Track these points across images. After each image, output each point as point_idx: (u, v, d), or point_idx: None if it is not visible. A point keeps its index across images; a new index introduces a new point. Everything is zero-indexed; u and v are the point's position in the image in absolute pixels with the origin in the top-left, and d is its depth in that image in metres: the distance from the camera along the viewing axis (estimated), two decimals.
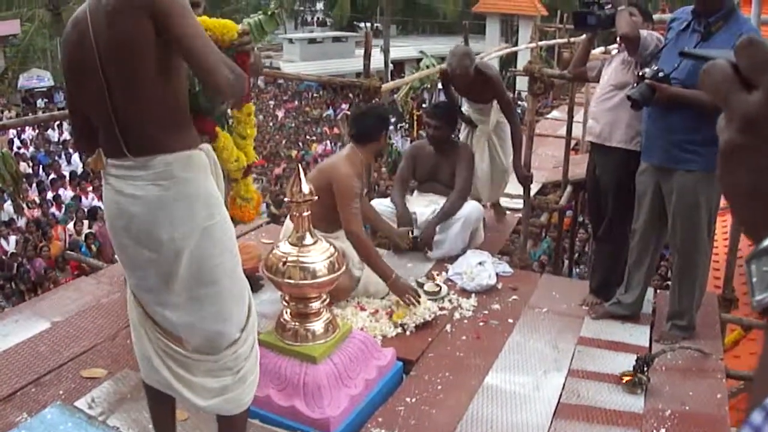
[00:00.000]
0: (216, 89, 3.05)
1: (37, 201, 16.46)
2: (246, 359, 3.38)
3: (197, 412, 3.74)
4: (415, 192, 7.27)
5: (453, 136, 7.15)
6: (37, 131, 22.63)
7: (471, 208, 6.81)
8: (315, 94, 32.77)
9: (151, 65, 2.95)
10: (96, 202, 16.04)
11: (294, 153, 22.55)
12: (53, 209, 16.10)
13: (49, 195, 16.85)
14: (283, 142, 24.61)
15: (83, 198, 16.68)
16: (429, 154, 7.06)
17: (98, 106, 3.06)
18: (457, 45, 7.07)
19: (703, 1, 4.69)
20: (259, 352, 3.53)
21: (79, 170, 18.84)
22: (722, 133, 0.78)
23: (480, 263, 6.22)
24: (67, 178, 17.92)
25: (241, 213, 4.39)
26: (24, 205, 15.29)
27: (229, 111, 4.23)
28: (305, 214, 4.21)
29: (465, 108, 7.50)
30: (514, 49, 20.02)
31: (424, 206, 6.88)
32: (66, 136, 22.57)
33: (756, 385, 0.75)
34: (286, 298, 4.36)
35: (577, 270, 12.54)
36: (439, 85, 8.04)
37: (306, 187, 4.15)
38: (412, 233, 6.57)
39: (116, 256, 3.40)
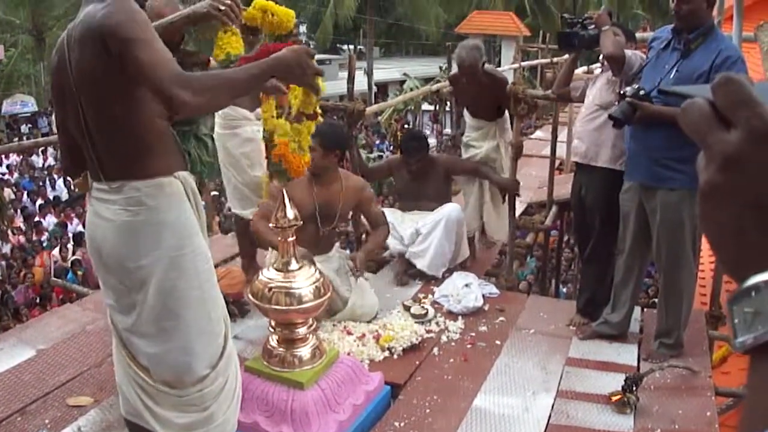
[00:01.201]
0: (172, 102, 2.79)
1: (22, 228, 16.38)
2: (215, 398, 3.31)
3: None
4: (398, 212, 7.15)
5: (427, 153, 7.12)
6: (21, 157, 22.55)
7: (450, 207, 6.80)
8: None
9: (115, 93, 2.94)
10: (80, 228, 15.99)
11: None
12: (35, 236, 16.03)
13: (35, 221, 16.78)
14: None
15: (68, 224, 16.62)
16: (406, 175, 7.07)
17: (77, 131, 3.08)
18: (467, 39, 7.08)
19: (683, 18, 4.72)
20: (237, 390, 3.49)
21: (64, 196, 18.79)
22: (702, 173, 0.77)
23: (466, 285, 6.21)
24: (52, 204, 17.86)
25: (290, 162, 4.29)
26: (9, 232, 15.21)
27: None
28: (290, 239, 4.20)
29: (466, 129, 7.53)
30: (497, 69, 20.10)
31: (407, 227, 6.84)
32: (50, 161, 22.52)
33: (741, 424, 0.74)
34: (273, 323, 4.34)
35: (564, 289, 12.55)
36: (423, 107, 8.09)
37: (291, 213, 4.13)
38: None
39: (96, 272, 3.41)
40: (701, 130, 0.76)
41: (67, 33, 3.03)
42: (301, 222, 4.27)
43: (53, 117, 28.85)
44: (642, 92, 4.68)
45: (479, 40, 6.68)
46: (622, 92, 4.82)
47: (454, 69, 7.34)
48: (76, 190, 3.48)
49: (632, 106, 4.67)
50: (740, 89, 0.74)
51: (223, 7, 3.57)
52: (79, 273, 13.20)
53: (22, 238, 15.79)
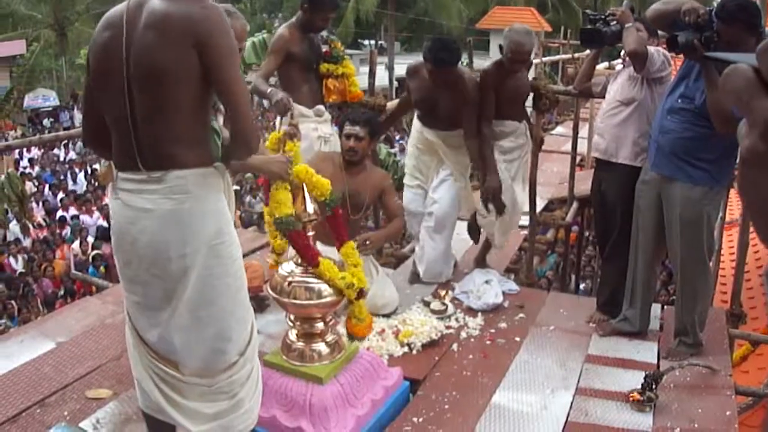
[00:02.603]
0: (243, 137, 3.10)
1: (43, 221, 16.47)
2: (242, 385, 3.35)
3: None
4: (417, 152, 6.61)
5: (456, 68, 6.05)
6: (42, 150, 22.67)
7: (444, 203, 6.39)
8: None
9: (186, 92, 2.97)
10: (101, 221, 16.06)
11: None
12: (57, 229, 16.11)
13: (58, 214, 16.88)
14: None
15: (88, 217, 16.70)
16: (425, 80, 6.14)
17: (117, 117, 3.06)
18: (514, 25, 6.12)
19: (725, 44, 4.62)
20: (260, 380, 3.51)
21: (83, 190, 18.89)
22: (743, 140, 0.76)
23: (486, 282, 6.20)
24: (72, 197, 17.95)
25: (356, 330, 4.60)
26: (30, 225, 15.31)
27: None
28: (310, 233, 4.20)
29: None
30: None
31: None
32: (72, 155, 22.62)
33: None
34: (292, 318, 4.34)
35: (583, 285, 12.51)
36: None
37: (311, 207, 4.13)
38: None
39: (119, 270, 3.35)
40: (745, 95, 0.75)
41: (128, 13, 2.99)
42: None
43: (75, 111, 29.11)
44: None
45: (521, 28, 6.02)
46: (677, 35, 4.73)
47: (480, 64, 7.14)
48: (97, 182, 3.48)
49: (693, 48, 4.61)
50: None
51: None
52: (102, 268, 13.25)
53: (42, 232, 15.87)
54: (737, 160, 0.77)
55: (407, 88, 6.39)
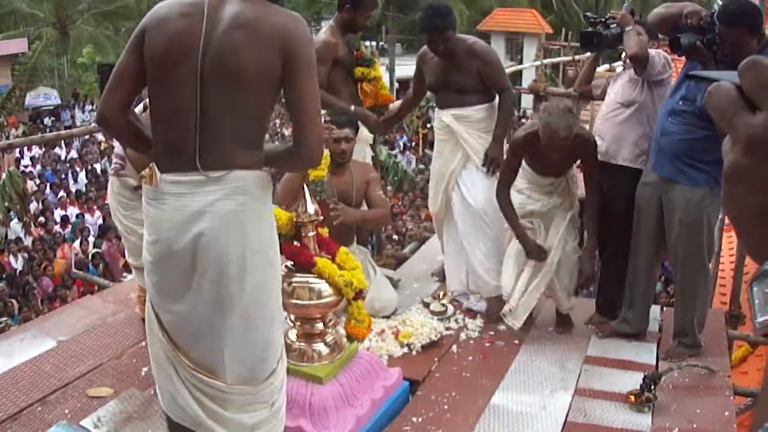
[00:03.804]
0: (309, 149, 3.07)
1: (43, 220, 16.48)
2: (279, 392, 3.35)
3: None
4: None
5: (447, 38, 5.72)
6: (44, 149, 22.66)
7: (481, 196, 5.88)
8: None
9: (263, 96, 2.99)
10: (101, 221, 16.07)
11: None
12: (58, 227, 16.11)
13: (58, 213, 16.89)
14: None
15: (89, 216, 16.70)
16: (433, 59, 5.96)
17: (180, 111, 3.00)
18: (551, 103, 5.53)
19: (728, 53, 4.65)
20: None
21: (84, 188, 18.90)
22: (727, 155, 0.78)
23: None
24: (74, 196, 17.96)
25: (355, 331, 4.47)
26: (31, 224, 15.31)
27: None
28: (311, 234, 4.21)
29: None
30: (519, 67, 20.05)
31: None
32: (73, 154, 22.61)
33: (759, 406, 0.75)
34: (292, 318, 4.36)
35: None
36: None
37: (312, 208, 4.15)
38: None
39: (155, 284, 3.21)
40: (727, 112, 0.77)
41: (209, 8, 2.97)
42: (321, 217, 4.28)
43: (76, 110, 29.10)
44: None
45: (570, 102, 5.54)
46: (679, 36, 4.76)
47: None
48: (141, 182, 3.31)
49: (696, 49, 4.64)
50: (766, 72, 0.74)
51: None
52: (100, 267, 13.26)
53: (42, 231, 15.89)
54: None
55: (418, 78, 6.25)
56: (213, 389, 3.19)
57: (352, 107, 5.99)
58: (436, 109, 6.24)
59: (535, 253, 5.38)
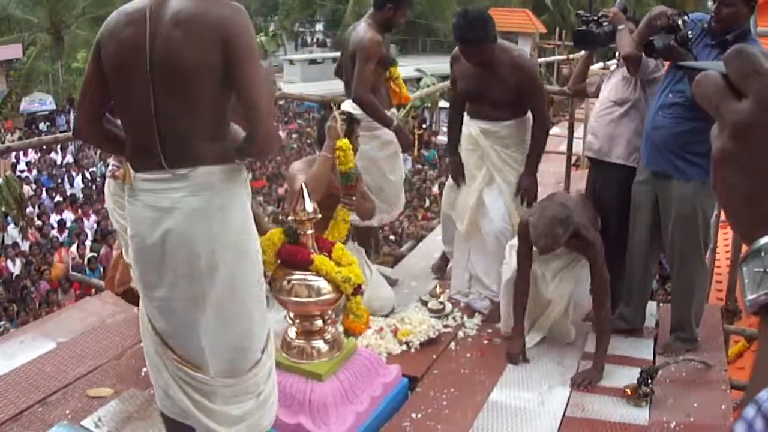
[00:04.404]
0: (261, 137, 3.05)
1: (40, 224, 16.48)
2: (265, 382, 3.38)
3: None
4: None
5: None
6: (39, 154, 22.65)
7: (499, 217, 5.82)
8: (316, 115, 32.77)
9: (210, 90, 2.99)
10: (96, 225, 16.08)
11: None
12: (54, 232, 16.11)
13: (54, 217, 16.89)
14: (285, 163, 24.61)
15: (85, 220, 16.71)
16: (467, 65, 5.57)
17: (139, 115, 3.05)
18: (538, 209, 5.00)
19: (722, 20, 4.72)
20: (276, 376, 3.55)
21: (80, 193, 18.90)
22: (715, 141, 0.81)
23: None
24: (69, 200, 17.96)
25: (353, 327, 4.49)
26: (28, 228, 15.32)
27: None
28: (309, 232, 4.24)
29: None
30: None
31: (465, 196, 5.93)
32: (69, 158, 22.60)
33: (751, 380, 0.78)
34: (291, 315, 4.38)
35: None
36: (441, 104, 7.71)
37: (309, 206, 4.17)
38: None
39: (138, 278, 3.32)
40: (714, 100, 0.80)
41: (151, 10, 2.99)
42: (320, 215, 4.30)
43: (71, 115, 29.05)
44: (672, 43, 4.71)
45: (558, 206, 4.89)
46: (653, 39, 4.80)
47: None
48: (101, 183, 3.46)
49: (671, 48, 4.68)
50: (752, 60, 0.77)
51: None
52: (101, 269, 13.27)
53: (39, 235, 15.89)
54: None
55: (453, 78, 6.03)
56: (198, 382, 3.27)
57: (394, 122, 6.02)
58: (466, 117, 5.88)
59: (515, 356, 5.18)
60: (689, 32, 4.74)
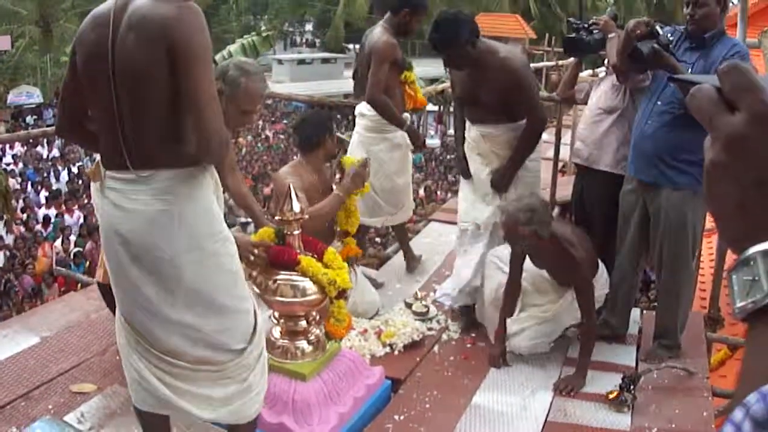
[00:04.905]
0: (206, 143, 2.98)
1: (24, 218, 16.44)
2: (251, 370, 3.36)
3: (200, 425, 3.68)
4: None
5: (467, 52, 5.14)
6: (26, 147, 22.60)
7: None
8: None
9: (162, 91, 2.94)
10: (82, 220, 16.04)
11: None
12: (39, 226, 16.07)
13: (42, 211, 16.86)
14: (272, 162, 24.60)
15: (68, 216, 16.66)
16: (460, 75, 5.49)
17: (104, 116, 3.05)
18: (517, 200, 4.99)
19: (697, 21, 4.77)
20: (266, 366, 3.54)
21: (65, 188, 18.85)
22: (707, 153, 0.83)
23: None
24: (54, 195, 17.91)
25: (334, 330, 4.59)
26: (13, 222, 15.27)
27: None
28: (296, 232, 4.24)
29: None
30: None
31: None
32: (55, 152, 22.55)
33: (739, 384, 0.79)
34: (276, 315, 4.38)
35: None
36: (428, 107, 7.69)
37: (297, 206, 4.17)
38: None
39: (108, 270, 3.31)
40: (708, 112, 0.82)
41: (114, 13, 2.98)
42: (307, 216, 4.31)
43: None
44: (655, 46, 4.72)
45: (534, 199, 4.94)
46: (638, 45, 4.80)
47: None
48: (81, 180, 3.48)
49: (656, 52, 4.70)
50: (745, 75, 0.80)
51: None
52: (85, 265, 13.25)
53: (23, 228, 15.85)
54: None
55: (451, 84, 5.94)
56: (177, 368, 3.25)
57: (407, 122, 6.09)
58: (466, 121, 5.72)
59: (496, 359, 5.20)
60: (669, 35, 4.78)
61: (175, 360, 3.24)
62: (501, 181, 5.41)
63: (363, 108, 6.18)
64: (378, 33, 6.03)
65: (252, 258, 4.15)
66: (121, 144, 3.03)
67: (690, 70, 4.73)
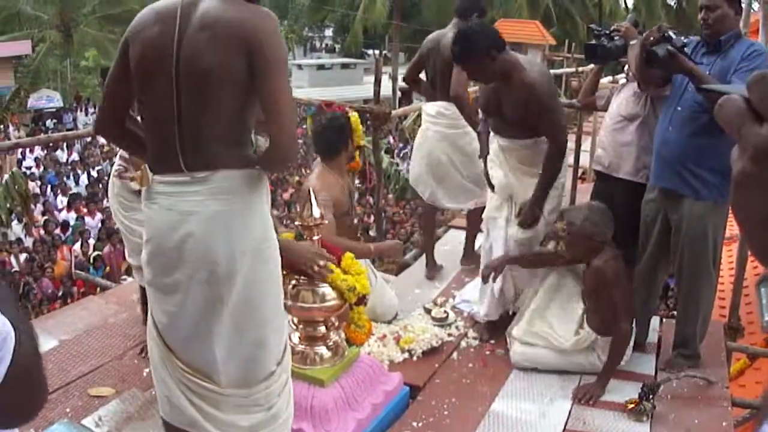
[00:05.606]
0: (282, 149, 2.98)
1: (42, 221, 16.51)
2: (278, 396, 3.31)
3: None
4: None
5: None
6: (46, 151, 22.71)
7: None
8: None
9: (235, 94, 2.95)
10: (101, 224, 16.09)
11: (296, 178, 22.49)
12: (57, 230, 16.12)
13: (62, 215, 16.94)
14: (290, 167, 24.51)
15: (89, 219, 16.73)
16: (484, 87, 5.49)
17: (161, 116, 3.02)
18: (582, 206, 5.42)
19: (711, 26, 4.74)
20: (292, 390, 3.49)
21: (84, 192, 18.93)
22: (735, 163, 0.82)
23: None
24: (73, 198, 17.99)
25: (354, 336, 4.52)
26: (32, 225, 15.33)
27: None
28: (315, 237, 4.23)
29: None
30: None
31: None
32: (75, 156, 22.64)
33: (766, 395, 0.78)
34: (295, 321, 4.38)
35: None
36: None
37: (317, 211, 4.16)
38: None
39: (149, 283, 3.25)
40: (736, 123, 0.81)
41: (182, 10, 2.96)
42: (326, 221, 4.31)
43: (78, 113, 29.13)
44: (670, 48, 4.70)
45: (597, 204, 5.17)
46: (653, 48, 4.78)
47: None
48: (134, 185, 3.43)
49: (671, 54, 4.67)
50: None
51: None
52: (105, 268, 13.29)
53: (43, 232, 15.91)
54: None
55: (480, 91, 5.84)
56: (207, 391, 3.20)
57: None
58: (491, 132, 5.65)
59: (488, 268, 5.40)
60: (683, 39, 4.76)
61: (205, 382, 3.18)
62: (529, 216, 5.39)
63: (440, 108, 6.48)
64: (448, 36, 6.09)
65: (316, 269, 4.07)
66: (176, 145, 3.00)
67: (708, 71, 4.70)
